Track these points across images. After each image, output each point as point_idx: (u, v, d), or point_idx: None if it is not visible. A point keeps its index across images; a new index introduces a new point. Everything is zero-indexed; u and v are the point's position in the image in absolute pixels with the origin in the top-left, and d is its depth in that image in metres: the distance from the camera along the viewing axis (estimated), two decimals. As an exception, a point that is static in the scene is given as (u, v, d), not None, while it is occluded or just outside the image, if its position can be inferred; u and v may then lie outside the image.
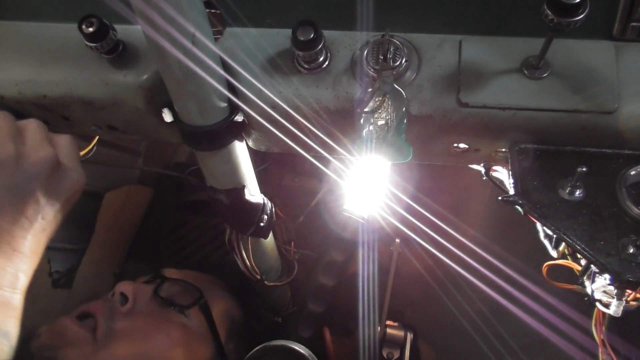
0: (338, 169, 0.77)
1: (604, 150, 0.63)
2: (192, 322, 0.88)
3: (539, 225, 0.66)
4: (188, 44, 0.57)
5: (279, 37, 0.69)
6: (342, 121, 0.68)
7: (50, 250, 1.22)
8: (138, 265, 1.02)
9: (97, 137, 0.84)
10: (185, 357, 0.85)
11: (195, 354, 0.87)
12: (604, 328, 0.66)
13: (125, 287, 0.87)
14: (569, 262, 0.66)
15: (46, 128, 0.66)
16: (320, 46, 0.63)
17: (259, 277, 0.94)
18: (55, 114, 0.75)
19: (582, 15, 0.53)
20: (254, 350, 0.88)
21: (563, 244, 0.66)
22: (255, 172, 0.83)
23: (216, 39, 0.68)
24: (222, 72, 0.64)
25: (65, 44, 0.72)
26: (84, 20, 0.65)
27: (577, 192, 0.60)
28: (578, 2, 0.53)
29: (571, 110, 0.61)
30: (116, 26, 0.68)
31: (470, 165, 0.76)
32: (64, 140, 0.67)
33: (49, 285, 1.15)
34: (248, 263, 0.91)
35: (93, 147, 0.82)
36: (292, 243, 1.09)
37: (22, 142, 0.63)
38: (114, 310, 0.85)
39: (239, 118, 0.69)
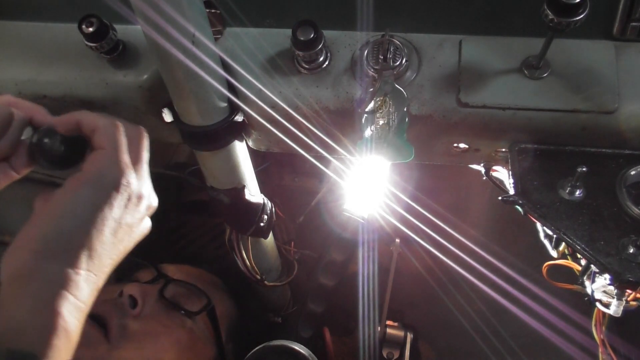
0: (338, 169, 0.77)
1: (604, 150, 0.64)
2: (198, 325, 0.89)
3: (539, 225, 0.66)
4: (188, 44, 0.57)
5: (279, 37, 0.69)
6: (342, 121, 0.68)
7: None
8: (135, 260, 1.02)
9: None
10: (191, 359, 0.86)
11: (199, 356, 0.88)
12: (604, 328, 0.66)
13: (133, 289, 0.86)
14: (569, 262, 0.66)
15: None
16: (320, 46, 0.63)
17: (259, 277, 0.94)
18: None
19: (582, 15, 0.53)
20: (254, 350, 0.88)
21: (563, 244, 0.66)
22: (255, 172, 0.83)
23: (216, 39, 0.68)
24: (222, 72, 0.64)
25: (65, 44, 0.72)
26: (84, 20, 0.66)
27: (577, 192, 0.60)
28: (578, 2, 0.53)
29: (571, 110, 0.61)
30: (116, 26, 0.68)
31: (470, 165, 0.76)
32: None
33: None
34: (248, 263, 0.91)
35: None
36: (292, 243, 1.09)
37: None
38: (123, 312, 0.85)
39: (239, 118, 0.69)
